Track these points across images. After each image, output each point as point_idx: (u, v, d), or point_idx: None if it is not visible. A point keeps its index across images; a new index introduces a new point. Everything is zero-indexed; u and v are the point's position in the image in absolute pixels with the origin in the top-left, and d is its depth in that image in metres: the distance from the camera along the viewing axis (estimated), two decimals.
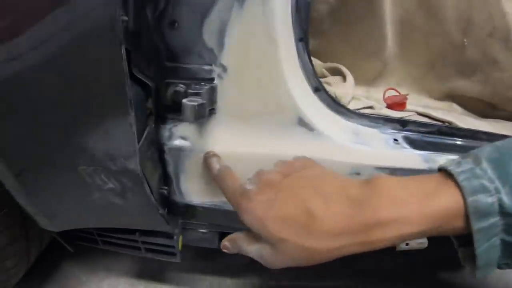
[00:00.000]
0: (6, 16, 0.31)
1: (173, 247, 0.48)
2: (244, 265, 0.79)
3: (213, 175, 0.41)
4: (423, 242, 0.50)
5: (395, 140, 0.50)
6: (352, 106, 0.55)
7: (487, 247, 0.30)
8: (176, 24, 0.40)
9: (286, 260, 0.32)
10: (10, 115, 0.37)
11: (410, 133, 0.54)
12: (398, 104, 0.58)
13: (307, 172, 0.35)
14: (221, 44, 0.40)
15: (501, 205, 0.28)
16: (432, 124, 0.57)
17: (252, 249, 0.35)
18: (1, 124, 0.37)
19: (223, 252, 0.42)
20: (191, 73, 0.41)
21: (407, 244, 0.50)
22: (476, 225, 0.29)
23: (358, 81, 0.62)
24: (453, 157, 0.56)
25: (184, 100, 0.35)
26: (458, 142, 0.57)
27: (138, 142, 0.41)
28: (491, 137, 0.61)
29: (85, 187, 0.42)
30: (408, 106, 0.61)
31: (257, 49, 0.40)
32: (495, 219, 0.29)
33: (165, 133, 0.44)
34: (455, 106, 0.73)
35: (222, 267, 0.78)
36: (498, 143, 0.34)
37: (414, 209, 0.29)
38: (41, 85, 0.34)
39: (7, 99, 0.35)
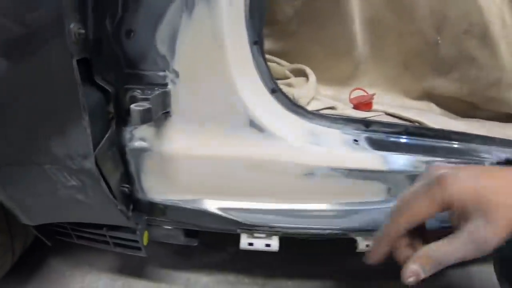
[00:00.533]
0: None
1: (137, 242, 0.57)
2: (220, 263, 0.87)
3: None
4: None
5: (355, 140, 0.56)
6: (312, 106, 0.61)
7: None
8: (132, 33, 0.47)
9: (505, 227, 0.32)
10: None
11: (374, 133, 0.59)
12: (364, 104, 0.63)
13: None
14: (172, 51, 0.47)
15: None
16: (399, 125, 0.62)
17: (459, 242, 0.34)
18: None
19: (200, 250, 0.48)
20: (146, 79, 0.48)
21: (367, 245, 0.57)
22: None
23: (331, 81, 0.67)
24: (419, 158, 0.62)
25: (131, 105, 0.42)
26: (427, 142, 0.62)
27: (99, 143, 0.49)
28: (463, 137, 0.65)
29: (51, 184, 0.50)
30: (378, 106, 0.66)
31: (206, 54, 0.47)
32: None
33: (126, 135, 0.52)
34: (433, 106, 0.77)
35: (199, 264, 0.86)
36: None
37: None
38: (4, 94, 0.43)
39: None
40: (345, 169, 0.51)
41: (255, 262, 0.86)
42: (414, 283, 0.36)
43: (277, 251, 0.54)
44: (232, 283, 0.82)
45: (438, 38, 0.70)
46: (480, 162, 0.63)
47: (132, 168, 0.53)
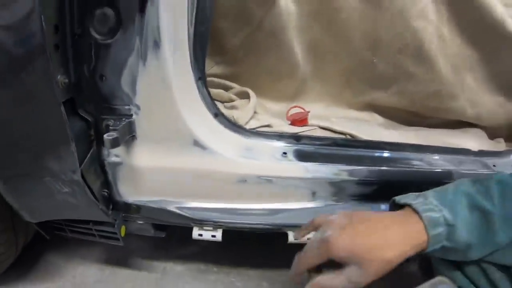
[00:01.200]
0: None
1: (116, 233, 0.83)
2: (193, 254, 1.14)
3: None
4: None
5: (284, 153, 0.80)
6: (251, 125, 0.85)
7: (433, 249, 0.53)
8: (104, 77, 0.72)
9: (372, 274, 0.52)
10: None
11: (304, 146, 0.83)
12: (299, 120, 0.86)
13: (359, 213, 0.59)
14: (134, 90, 0.71)
15: (445, 219, 0.52)
16: (328, 138, 0.85)
17: (341, 280, 0.53)
18: None
19: (176, 244, 0.70)
20: (117, 111, 0.73)
21: (296, 239, 0.81)
22: (431, 232, 0.52)
23: (278, 99, 0.90)
24: (341, 166, 0.84)
25: (104, 135, 0.67)
26: (353, 153, 0.85)
27: (84, 159, 0.75)
28: (393, 147, 0.88)
29: (49, 190, 0.76)
30: (313, 121, 0.88)
31: (158, 92, 0.71)
32: (442, 229, 0.52)
33: (105, 152, 0.77)
34: (376, 116, 0.99)
35: (174, 255, 1.13)
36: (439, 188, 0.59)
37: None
38: (12, 129, 0.69)
39: None
40: (271, 177, 0.75)
41: (222, 254, 1.12)
42: None
43: (220, 241, 0.79)
44: (202, 271, 1.09)
45: (374, 58, 0.92)
46: (411, 168, 0.86)
47: (110, 177, 0.79)
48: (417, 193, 0.59)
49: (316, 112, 0.95)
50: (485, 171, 0.90)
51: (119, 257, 1.12)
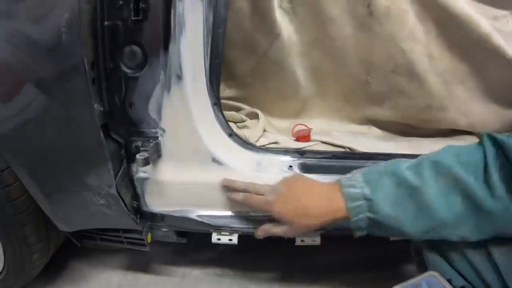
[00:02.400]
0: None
1: (143, 240, 0.97)
2: (209, 259, 1.28)
3: (240, 201, 0.86)
4: (315, 240, 0.94)
5: (290, 166, 0.93)
6: (260, 142, 0.99)
7: (356, 219, 0.68)
8: (133, 105, 0.86)
9: (297, 232, 0.80)
10: (42, 165, 0.86)
11: (308, 159, 0.96)
12: (303, 137, 1.00)
13: (298, 183, 0.79)
14: (160, 116, 0.85)
15: (364, 194, 0.67)
16: (328, 151, 0.98)
17: (277, 230, 0.81)
18: (38, 167, 0.86)
19: (193, 250, 0.84)
20: (145, 134, 0.87)
21: (302, 241, 0.95)
22: (349, 205, 0.68)
23: (284, 116, 1.04)
24: (338, 176, 0.97)
25: (137, 155, 0.82)
26: (350, 164, 0.98)
27: (116, 175, 0.89)
28: (386, 157, 1.01)
29: (87, 203, 0.90)
30: (316, 137, 1.02)
31: (181, 117, 0.85)
32: (361, 202, 0.67)
33: (133, 169, 0.92)
34: (374, 129, 1.12)
35: (192, 260, 1.27)
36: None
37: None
38: (57, 155, 0.83)
39: (42, 155, 0.85)
40: None
41: (237, 259, 1.26)
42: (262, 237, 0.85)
43: (237, 244, 0.93)
44: (218, 275, 1.22)
45: (368, 78, 1.05)
46: None
47: (138, 190, 0.93)
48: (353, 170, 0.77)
49: (318, 127, 1.09)
50: None
51: (141, 263, 1.27)
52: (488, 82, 1.17)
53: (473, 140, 1.26)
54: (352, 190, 0.69)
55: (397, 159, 0.73)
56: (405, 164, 0.69)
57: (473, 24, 1.07)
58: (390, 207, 0.66)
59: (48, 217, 0.97)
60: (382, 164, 0.75)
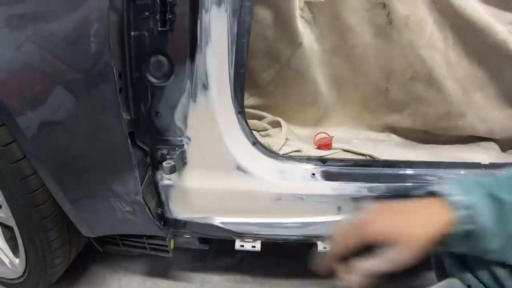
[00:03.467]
0: None
1: (166, 246, 1.00)
2: (228, 266, 1.30)
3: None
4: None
5: (313, 174, 0.95)
6: (283, 151, 1.01)
7: (456, 234, 0.60)
8: (159, 114, 0.89)
9: (410, 250, 0.59)
10: (69, 171, 0.89)
11: (330, 167, 0.98)
12: (324, 145, 1.03)
13: (387, 204, 0.67)
14: (185, 124, 0.88)
15: (466, 202, 0.60)
16: (350, 159, 1.00)
17: (382, 261, 0.60)
18: (65, 174, 0.89)
19: (213, 257, 0.84)
20: (170, 142, 0.90)
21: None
22: (454, 213, 0.59)
23: (305, 124, 1.07)
24: (362, 184, 0.99)
25: (163, 163, 0.84)
26: (372, 171, 1.00)
27: (142, 183, 0.92)
28: (407, 165, 1.03)
29: (112, 209, 0.93)
30: (337, 145, 1.04)
31: (206, 125, 0.88)
32: (464, 211, 0.59)
33: (158, 176, 0.94)
34: (393, 136, 1.14)
35: (212, 267, 1.30)
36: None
37: None
38: (86, 163, 0.86)
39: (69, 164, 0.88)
40: (302, 195, 0.91)
41: (256, 266, 1.28)
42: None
43: (259, 251, 0.95)
44: (238, 282, 1.25)
45: (388, 85, 1.08)
46: (423, 183, 1.01)
47: (163, 197, 0.96)
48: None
49: (339, 134, 1.11)
50: None
51: (160, 268, 1.29)
52: (506, 88, 1.19)
53: (492, 146, 1.28)
54: (455, 198, 0.64)
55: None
56: (487, 178, 0.68)
57: (490, 30, 1.09)
58: (487, 218, 0.63)
59: (71, 222, 1.00)
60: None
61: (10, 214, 0.96)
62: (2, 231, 1.09)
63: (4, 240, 1.10)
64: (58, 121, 0.83)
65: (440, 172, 1.04)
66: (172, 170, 0.85)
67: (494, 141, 1.29)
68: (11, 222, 0.99)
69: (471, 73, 1.16)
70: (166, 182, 0.94)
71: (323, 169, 0.97)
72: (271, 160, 0.94)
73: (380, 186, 0.96)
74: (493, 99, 1.21)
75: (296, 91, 1.10)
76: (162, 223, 0.99)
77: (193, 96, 0.86)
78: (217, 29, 0.83)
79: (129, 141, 0.83)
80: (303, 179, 0.93)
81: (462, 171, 1.04)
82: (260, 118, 1.16)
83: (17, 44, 0.78)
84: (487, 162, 1.09)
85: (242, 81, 0.89)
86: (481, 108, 1.20)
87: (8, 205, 0.95)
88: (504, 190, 0.64)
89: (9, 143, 0.86)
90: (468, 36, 1.11)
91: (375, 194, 0.96)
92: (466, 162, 1.08)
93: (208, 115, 0.87)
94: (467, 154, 1.18)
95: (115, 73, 0.79)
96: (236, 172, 0.91)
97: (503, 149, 1.29)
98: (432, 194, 0.68)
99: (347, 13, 1.00)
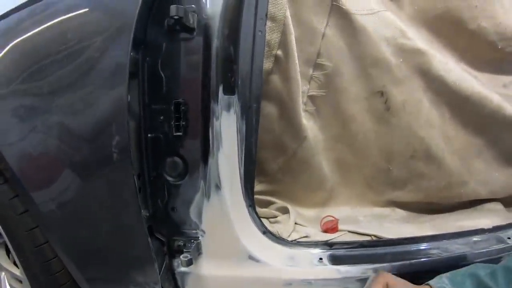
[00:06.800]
0: None
1: None
2: None
3: None
4: None
5: (320, 259, 1.05)
6: (292, 237, 1.11)
7: None
8: (175, 209, 1.00)
9: None
10: (92, 264, 1.00)
11: (336, 250, 1.08)
12: (331, 228, 1.12)
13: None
14: (200, 219, 0.99)
15: None
16: (355, 241, 1.09)
17: None
18: (87, 267, 1.00)
19: None
20: (186, 234, 1.01)
21: None
22: None
23: (312, 205, 1.18)
24: (367, 266, 1.08)
25: (181, 256, 0.95)
26: (377, 251, 1.09)
27: (160, 271, 1.02)
28: (411, 241, 1.12)
29: None
30: (342, 226, 1.14)
31: (219, 220, 0.99)
32: None
33: (175, 264, 1.05)
34: (397, 210, 1.24)
35: None
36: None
37: None
38: (110, 250, 0.97)
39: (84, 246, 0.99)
40: (310, 280, 1.00)
41: None
42: None
43: None
44: None
45: (389, 166, 1.18)
46: (428, 258, 1.09)
47: (180, 283, 1.06)
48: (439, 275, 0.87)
49: (345, 213, 1.21)
50: (500, 246, 1.09)
51: None
52: (504, 150, 1.27)
53: (496, 206, 1.35)
54: None
55: (476, 264, 0.89)
56: (482, 267, 0.85)
57: (485, 100, 1.18)
58: None
59: None
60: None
61: None
62: None
63: None
64: (82, 218, 0.96)
65: (444, 243, 1.12)
66: (189, 263, 0.95)
67: (497, 200, 1.36)
68: None
69: (469, 143, 1.26)
70: (182, 269, 1.05)
71: (330, 253, 1.06)
72: (281, 247, 1.04)
73: (385, 266, 1.05)
74: (492, 163, 1.30)
75: (302, 178, 1.22)
76: None
77: (207, 195, 0.97)
78: (227, 134, 0.95)
79: (149, 238, 0.94)
80: (311, 264, 1.03)
81: (467, 239, 1.11)
82: (268, 203, 1.27)
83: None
84: (490, 227, 1.16)
85: (252, 177, 1.01)
86: (481, 173, 1.28)
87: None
88: (496, 281, 0.78)
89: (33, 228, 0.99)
90: (464, 109, 1.21)
91: None
92: (469, 230, 1.15)
93: (221, 211, 0.98)
94: (470, 220, 1.26)
95: (134, 177, 0.90)
96: (248, 261, 1.01)
97: (507, 207, 1.36)
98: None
99: (348, 103, 1.11)
